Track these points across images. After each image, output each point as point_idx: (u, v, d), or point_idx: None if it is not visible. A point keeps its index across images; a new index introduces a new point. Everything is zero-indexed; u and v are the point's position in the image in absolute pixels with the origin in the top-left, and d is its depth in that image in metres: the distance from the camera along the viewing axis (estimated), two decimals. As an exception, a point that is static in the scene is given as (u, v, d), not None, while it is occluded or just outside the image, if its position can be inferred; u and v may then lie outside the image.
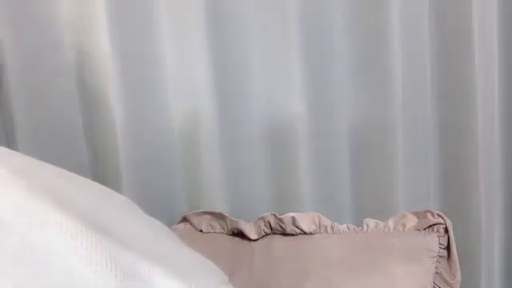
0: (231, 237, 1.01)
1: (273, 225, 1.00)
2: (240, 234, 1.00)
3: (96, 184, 0.58)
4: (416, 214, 0.87)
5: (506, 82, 1.20)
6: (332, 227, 1.00)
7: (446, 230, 0.83)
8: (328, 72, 1.09)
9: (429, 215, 0.85)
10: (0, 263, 0.39)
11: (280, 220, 1.00)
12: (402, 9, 1.09)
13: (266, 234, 1.00)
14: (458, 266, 0.81)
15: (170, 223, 1.05)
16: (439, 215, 0.84)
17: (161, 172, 1.05)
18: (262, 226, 1.01)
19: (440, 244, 0.82)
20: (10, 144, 1.02)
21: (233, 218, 1.02)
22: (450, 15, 1.14)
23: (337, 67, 1.09)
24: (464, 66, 1.15)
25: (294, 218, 1.00)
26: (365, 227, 0.89)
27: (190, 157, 1.08)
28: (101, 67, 1.02)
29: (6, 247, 0.39)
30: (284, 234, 1.00)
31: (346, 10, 1.08)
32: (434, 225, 0.84)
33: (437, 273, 0.80)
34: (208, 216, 1.03)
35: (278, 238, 0.99)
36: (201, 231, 1.02)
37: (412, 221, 0.86)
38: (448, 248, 0.82)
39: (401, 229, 0.86)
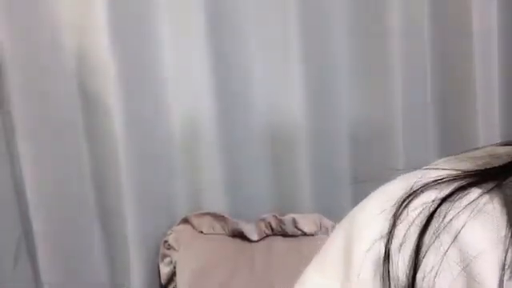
0: (232, 238, 1.01)
1: (274, 226, 1.00)
2: (241, 235, 1.00)
3: None
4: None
5: (506, 81, 1.20)
6: (333, 228, 1.00)
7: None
8: (328, 72, 1.09)
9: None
10: None
11: (281, 221, 1.00)
12: (402, 9, 1.09)
13: (267, 235, 1.01)
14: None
15: (170, 224, 1.05)
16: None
17: (161, 173, 1.05)
18: (263, 228, 1.01)
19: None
20: (10, 144, 1.01)
21: (233, 219, 1.02)
22: (450, 15, 1.14)
23: (337, 68, 1.09)
24: (464, 66, 1.15)
25: (294, 220, 1.00)
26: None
27: (190, 158, 1.08)
28: (101, 68, 1.02)
29: None
30: (285, 235, 1.00)
31: (346, 10, 1.08)
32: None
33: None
34: (209, 217, 1.03)
35: (278, 240, 0.99)
36: (201, 232, 1.02)
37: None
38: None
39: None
